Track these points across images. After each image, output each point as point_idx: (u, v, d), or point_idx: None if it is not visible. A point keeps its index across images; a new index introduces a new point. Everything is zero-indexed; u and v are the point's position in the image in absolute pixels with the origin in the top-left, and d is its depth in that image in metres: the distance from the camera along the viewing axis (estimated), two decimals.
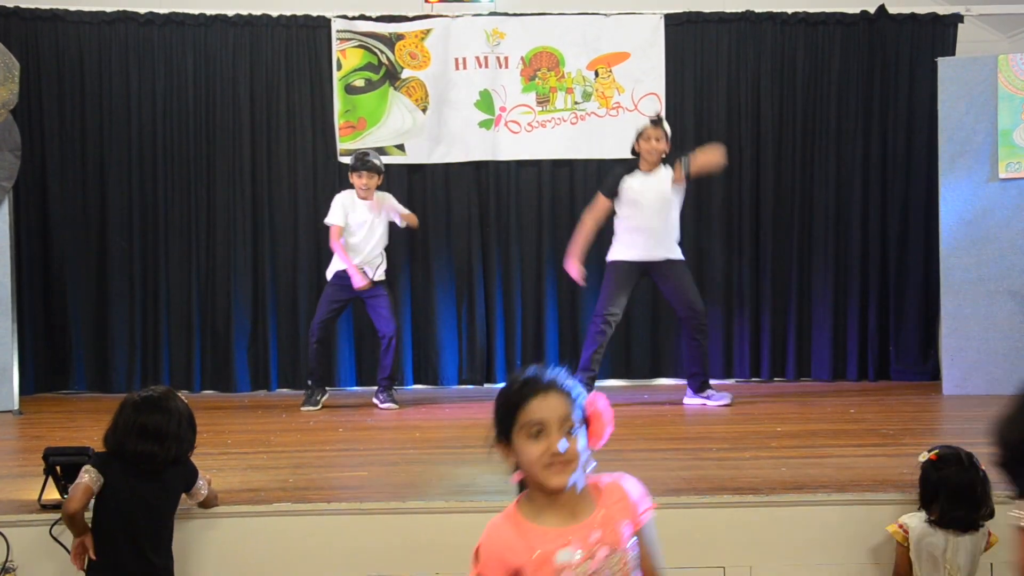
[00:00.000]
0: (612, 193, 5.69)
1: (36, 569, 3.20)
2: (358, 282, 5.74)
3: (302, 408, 5.76)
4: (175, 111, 6.67)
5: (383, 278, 5.94)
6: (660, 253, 5.68)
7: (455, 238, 6.83)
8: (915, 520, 3.17)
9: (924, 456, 3.20)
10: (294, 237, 6.74)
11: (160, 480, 3.01)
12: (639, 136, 5.70)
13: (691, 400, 5.77)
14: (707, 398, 5.71)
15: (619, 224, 5.75)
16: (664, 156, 5.66)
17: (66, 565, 3.14)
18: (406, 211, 5.97)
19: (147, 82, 6.64)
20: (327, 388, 6.06)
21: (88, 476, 2.92)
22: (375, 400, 5.88)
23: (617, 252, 5.75)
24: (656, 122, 5.72)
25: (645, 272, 5.77)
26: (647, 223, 5.65)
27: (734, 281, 6.90)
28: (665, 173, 5.65)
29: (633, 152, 5.75)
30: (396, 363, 5.98)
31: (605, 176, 5.96)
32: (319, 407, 5.79)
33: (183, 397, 3.15)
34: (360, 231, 5.82)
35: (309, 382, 5.90)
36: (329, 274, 5.94)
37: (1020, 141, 6.09)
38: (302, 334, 6.68)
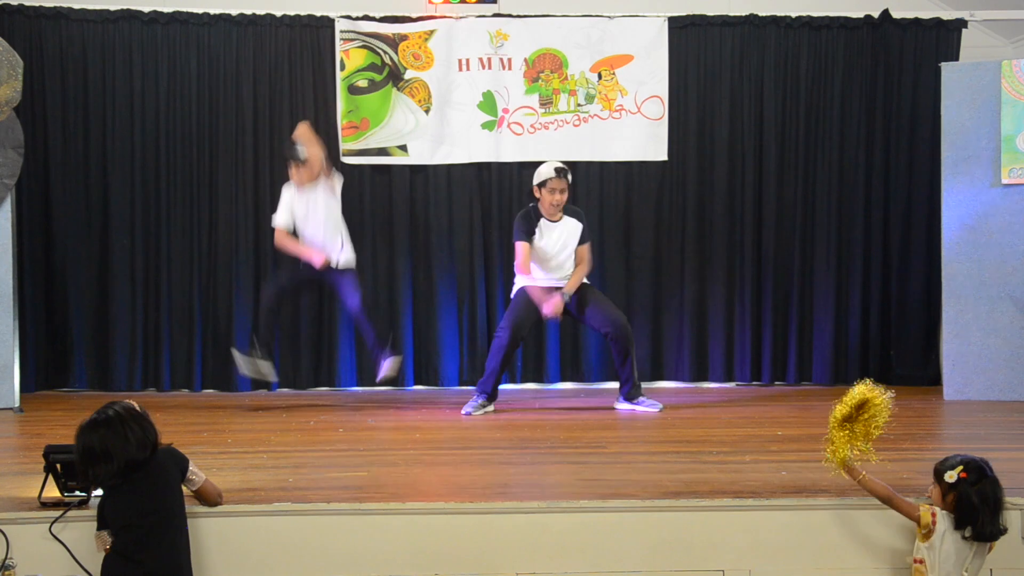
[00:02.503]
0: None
1: (36, 567, 3.20)
2: (317, 260, 5.64)
3: (232, 349, 5.81)
4: (178, 110, 6.68)
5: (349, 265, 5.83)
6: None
7: (457, 239, 6.83)
8: (946, 522, 3.12)
9: (953, 476, 3.08)
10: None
11: (147, 476, 3.02)
12: (542, 184, 5.60)
13: (621, 406, 5.76)
14: (637, 404, 5.70)
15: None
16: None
17: (66, 563, 3.15)
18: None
19: (150, 81, 6.65)
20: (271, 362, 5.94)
21: (99, 539, 3.01)
22: (381, 366, 5.84)
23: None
24: (561, 173, 5.58)
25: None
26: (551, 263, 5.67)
27: (736, 284, 6.90)
28: (569, 223, 5.65)
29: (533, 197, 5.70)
30: (370, 330, 5.92)
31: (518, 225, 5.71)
32: (248, 359, 5.74)
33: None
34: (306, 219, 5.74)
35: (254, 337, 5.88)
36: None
37: (1023, 146, 6.09)
38: (303, 334, 6.69)
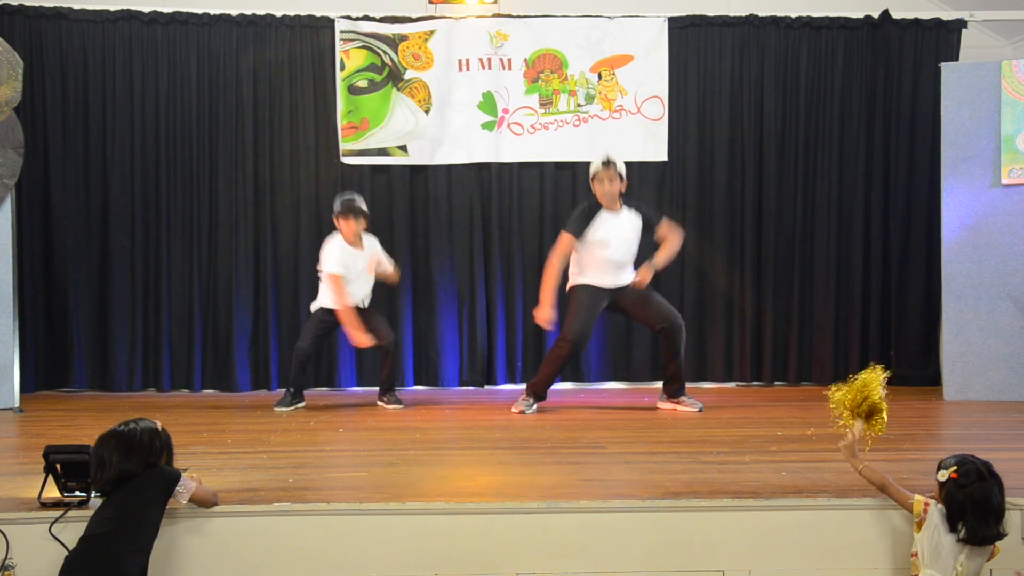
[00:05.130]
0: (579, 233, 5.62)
1: (35, 567, 3.20)
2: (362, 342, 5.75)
3: (275, 408, 5.78)
4: (178, 110, 6.68)
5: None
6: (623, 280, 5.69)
7: (457, 239, 6.83)
8: (938, 515, 3.12)
9: (944, 475, 3.08)
10: (296, 237, 6.75)
11: (126, 489, 3.06)
12: (593, 178, 5.64)
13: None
14: (679, 403, 5.74)
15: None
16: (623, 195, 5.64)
17: None
18: (390, 267, 6.01)
19: (150, 81, 6.65)
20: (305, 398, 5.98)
21: None
22: (379, 402, 5.94)
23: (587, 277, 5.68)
24: (607, 164, 5.59)
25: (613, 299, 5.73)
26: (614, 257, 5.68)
27: (736, 284, 6.90)
28: (629, 216, 5.65)
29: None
30: (393, 369, 6.00)
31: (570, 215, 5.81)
32: (290, 409, 5.78)
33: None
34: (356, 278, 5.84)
35: (291, 390, 5.88)
36: (315, 307, 5.92)
37: (1023, 147, 6.09)
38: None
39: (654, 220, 5.74)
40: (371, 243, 5.94)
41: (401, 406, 5.84)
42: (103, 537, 2.98)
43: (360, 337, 5.70)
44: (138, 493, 3.07)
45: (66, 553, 3.04)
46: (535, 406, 5.66)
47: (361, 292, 5.88)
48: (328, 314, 5.81)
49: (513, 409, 5.61)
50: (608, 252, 5.62)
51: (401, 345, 6.69)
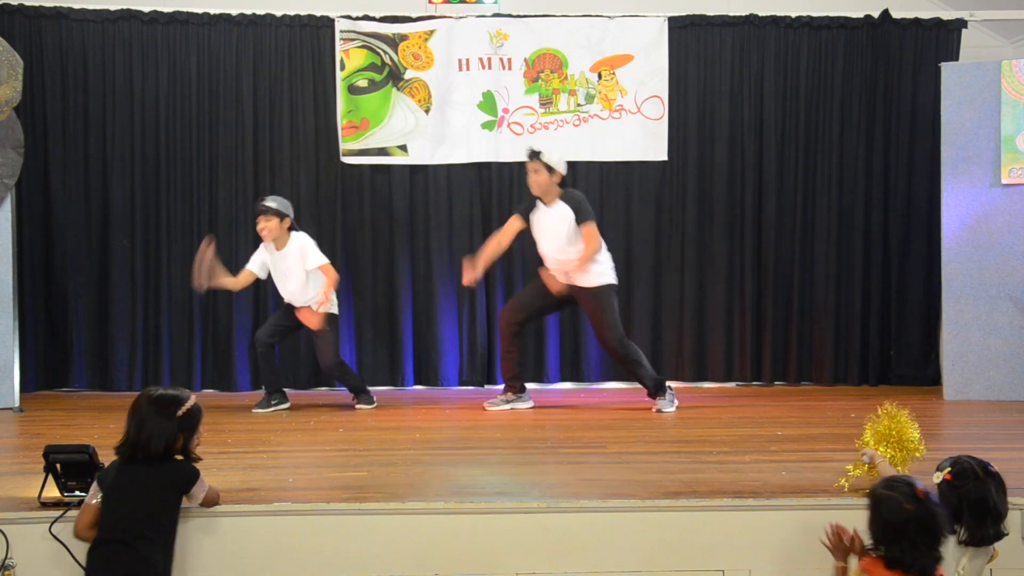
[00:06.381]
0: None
1: (35, 566, 3.20)
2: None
3: (253, 410, 5.75)
4: (178, 110, 6.68)
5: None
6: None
7: (457, 239, 6.83)
8: None
9: (939, 477, 3.06)
10: None
11: (145, 476, 3.04)
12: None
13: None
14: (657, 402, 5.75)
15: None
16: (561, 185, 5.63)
17: (66, 563, 3.15)
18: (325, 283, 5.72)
19: (150, 81, 6.65)
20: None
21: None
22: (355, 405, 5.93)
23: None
24: (530, 156, 5.59)
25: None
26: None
27: (736, 284, 6.90)
28: (560, 209, 5.60)
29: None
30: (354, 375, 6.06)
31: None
32: (269, 411, 5.75)
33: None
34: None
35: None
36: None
37: (1023, 146, 6.09)
38: (303, 334, 6.66)
39: (581, 219, 5.57)
40: (296, 242, 5.73)
41: (370, 406, 5.82)
42: (129, 541, 2.96)
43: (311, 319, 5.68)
44: (156, 490, 3.07)
45: (67, 553, 3.04)
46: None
47: (288, 292, 5.77)
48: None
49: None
50: (540, 246, 5.72)
51: (402, 340, 6.72)
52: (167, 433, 3.08)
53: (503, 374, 5.92)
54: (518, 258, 6.82)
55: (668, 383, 5.79)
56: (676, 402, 5.72)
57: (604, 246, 5.67)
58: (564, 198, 5.62)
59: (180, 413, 3.11)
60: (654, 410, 5.63)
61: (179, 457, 3.15)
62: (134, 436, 3.07)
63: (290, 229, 5.75)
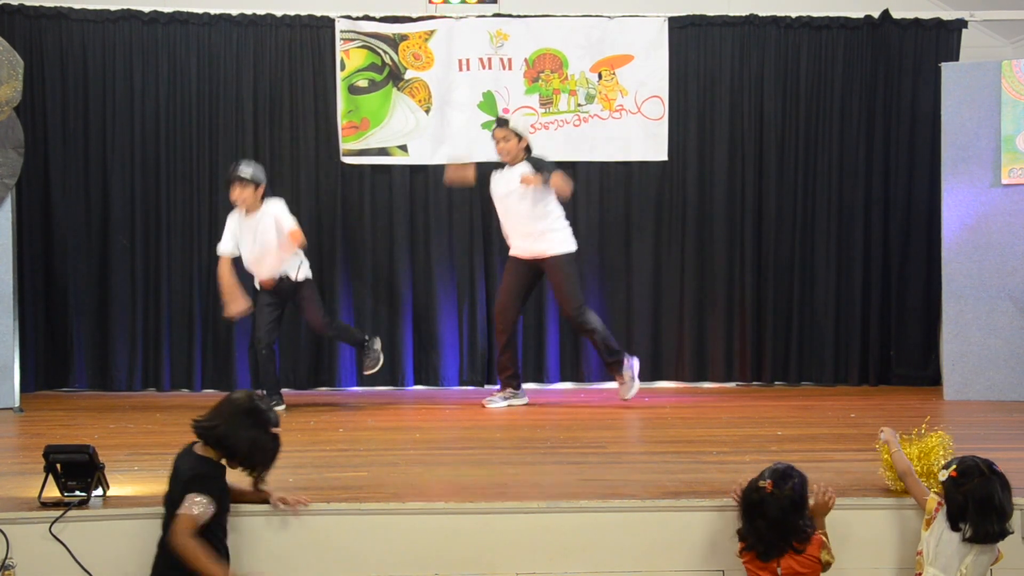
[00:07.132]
0: None
1: (36, 566, 3.20)
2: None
3: None
4: (178, 110, 6.68)
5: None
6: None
7: (457, 239, 6.83)
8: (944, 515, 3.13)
9: (944, 475, 3.11)
10: None
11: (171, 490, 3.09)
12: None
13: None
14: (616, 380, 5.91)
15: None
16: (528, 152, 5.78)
17: (66, 563, 3.14)
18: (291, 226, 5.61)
19: (151, 81, 6.65)
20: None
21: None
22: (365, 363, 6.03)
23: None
24: (499, 123, 5.86)
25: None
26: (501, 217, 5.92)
27: (736, 284, 6.90)
28: (521, 167, 5.73)
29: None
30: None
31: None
32: None
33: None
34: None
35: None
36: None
37: (1023, 147, 6.09)
38: (302, 334, 6.68)
39: (545, 169, 5.63)
40: (270, 208, 5.64)
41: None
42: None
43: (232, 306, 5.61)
44: (174, 472, 3.11)
45: (67, 553, 3.05)
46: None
47: (254, 256, 5.64)
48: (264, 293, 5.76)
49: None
50: (504, 218, 5.86)
51: (402, 339, 6.72)
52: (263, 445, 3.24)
53: (499, 372, 5.97)
54: None
55: (632, 359, 5.86)
56: (637, 381, 5.83)
57: (564, 212, 5.82)
58: (528, 160, 5.76)
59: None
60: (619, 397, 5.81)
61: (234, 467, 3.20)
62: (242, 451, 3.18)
63: (263, 197, 5.68)
